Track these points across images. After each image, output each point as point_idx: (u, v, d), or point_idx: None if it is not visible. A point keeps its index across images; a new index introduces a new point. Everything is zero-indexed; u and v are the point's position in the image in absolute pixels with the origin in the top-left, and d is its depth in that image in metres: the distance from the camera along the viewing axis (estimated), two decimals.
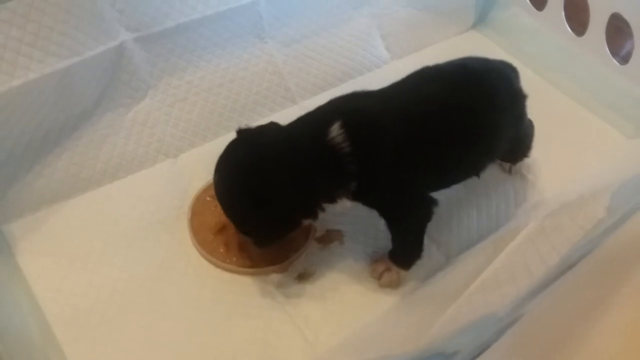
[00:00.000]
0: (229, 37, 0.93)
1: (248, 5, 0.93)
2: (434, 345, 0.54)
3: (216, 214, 0.81)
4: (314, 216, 0.71)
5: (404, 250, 0.75)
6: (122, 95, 0.87)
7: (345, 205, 0.71)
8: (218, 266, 0.77)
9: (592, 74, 1.00)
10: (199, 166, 0.88)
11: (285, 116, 0.95)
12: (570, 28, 1.03)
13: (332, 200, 0.70)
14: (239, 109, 0.94)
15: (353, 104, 0.71)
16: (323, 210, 0.71)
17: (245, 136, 0.73)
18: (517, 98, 0.78)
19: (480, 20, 1.16)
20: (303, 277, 0.76)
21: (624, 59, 0.98)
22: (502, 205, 0.83)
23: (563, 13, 1.03)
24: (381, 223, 0.75)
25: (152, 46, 0.87)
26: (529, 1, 1.09)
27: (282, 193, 0.67)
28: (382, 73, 1.05)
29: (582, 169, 0.87)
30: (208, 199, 0.83)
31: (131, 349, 0.69)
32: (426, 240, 0.74)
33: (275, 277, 0.76)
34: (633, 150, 0.93)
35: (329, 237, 0.80)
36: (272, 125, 0.73)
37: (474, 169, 0.77)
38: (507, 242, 0.62)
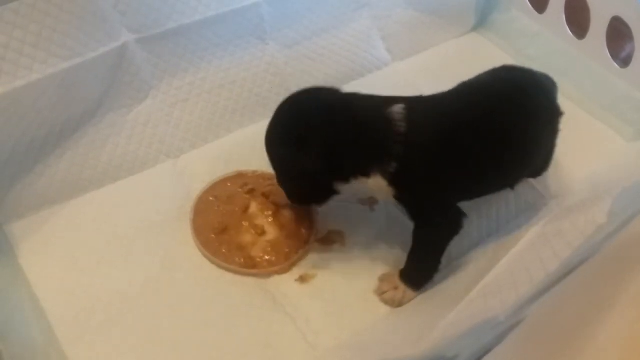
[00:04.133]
0: (230, 38, 0.94)
1: (249, 7, 0.93)
2: (435, 350, 0.54)
3: (219, 214, 0.81)
4: (346, 180, 0.71)
5: (418, 265, 0.74)
6: (123, 96, 0.87)
7: (380, 184, 0.70)
8: (220, 267, 0.77)
9: (592, 76, 1.00)
10: (200, 167, 0.88)
11: None
12: (571, 31, 1.03)
13: (366, 173, 0.70)
14: (240, 110, 0.95)
15: (418, 100, 0.73)
16: (356, 178, 0.71)
17: (314, 88, 0.75)
18: (555, 113, 0.78)
19: (481, 22, 1.16)
20: (304, 278, 0.76)
21: (625, 62, 0.98)
22: (502, 209, 0.83)
23: (564, 16, 1.03)
24: (383, 225, 0.76)
25: (154, 47, 0.87)
26: (529, 4, 1.09)
27: (322, 140, 0.69)
28: (383, 75, 1.06)
29: (583, 171, 0.87)
30: (211, 199, 0.83)
31: (132, 350, 0.69)
32: None
33: (276, 278, 0.77)
34: (633, 153, 0.93)
35: (331, 239, 0.80)
36: (345, 92, 0.75)
37: (510, 180, 0.78)
38: (509, 248, 0.62)
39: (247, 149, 0.91)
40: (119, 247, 0.78)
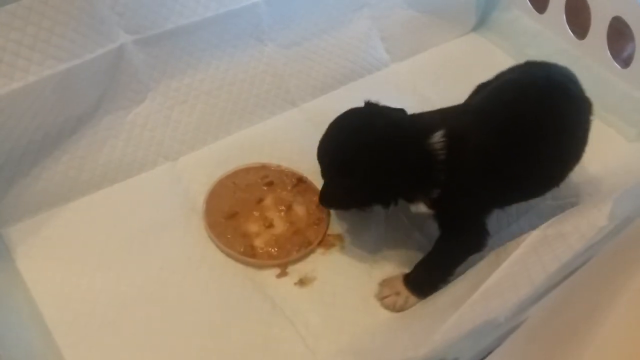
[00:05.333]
0: (228, 39, 0.93)
1: (248, 7, 0.93)
2: (435, 353, 0.54)
3: (232, 199, 0.83)
4: (386, 206, 0.73)
5: (430, 274, 0.74)
6: (121, 97, 0.86)
7: (420, 209, 0.72)
8: (222, 250, 0.78)
9: (593, 77, 0.99)
10: (198, 169, 0.88)
11: (285, 119, 0.96)
12: (572, 31, 1.03)
13: (410, 200, 0.73)
14: (239, 111, 0.94)
15: (457, 117, 0.73)
16: (396, 204, 0.73)
17: (367, 110, 0.76)
18: (588, 103, 0.78)
19: (481, 23, 1.16)
20: (304, 282, 0.76)
21: (625, 62, 0.98)
22: (503, 212, 0.82)
23: (564, 16, 1.03)
24: (382, 229, 0.75)
25: (152, 49, 0.87)
26: (530, 4, 1.09)
27: (365, 174, 0.70)
28: (382, 75, 1.06)
29: (584, 173, 0.86)
30: (230, 184, 0.85)
31: (131, 353, 0.69)
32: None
33: (275, 281, 0.76)
34: (635, 153, 0.93)
35: (330, 242, 0.80)
36: (396, 112, 0.76)
37: (558, 179, 0.77)
38: (510, 251, 0.62)
39: (246, 151, 0.90)
40: (116, 250, 0.77)
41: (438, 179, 0.69)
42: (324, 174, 0.77)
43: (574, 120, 0.75)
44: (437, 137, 0.69)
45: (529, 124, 0.72)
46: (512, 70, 0.80)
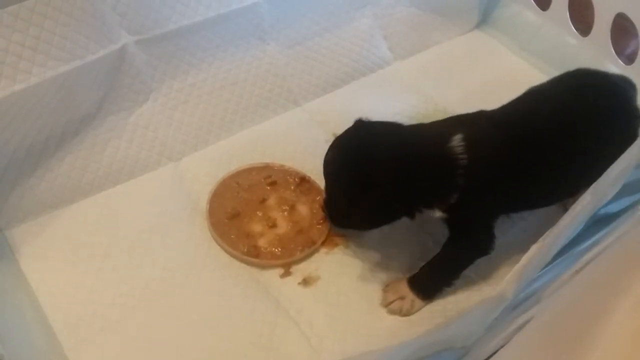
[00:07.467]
0: (230, 39, 0.93)
1: (250, 7, 0.93)
2: (439, 334, 0.53)
3: (235, 199, 0.83)
4: (412, 216, 0.72)
5: (436, 275, 0.73)
6: (124, 98, 0.86)
7: (434, 215, 0.72)
8: (225, 250, 0.78)
9: None
10: (201, 169, 0.88)
11: (288, 118, 0.96)
12: (575, 28, 1.03)
13: (430, 206, 0.71)
14: (242, 111, 0.94)
15: (476, 121, 0.73)
16: (421, 212, 0.72)
17: (366, 126, 0.74)
18: (632, 118, 0.76)
19: (484, 20, 1.15)
20: (308, 281, 0.76)
21: (629, 59, 0.98)
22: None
23: (568, 13, 1.03)
24: (386, 228, 0.75)
25: (154, 49, 0.87)
26: (533, 1, 1.08)
27: (391, 185, 0.68)
28: (385, 74, 1.05)
29: None
30: (233, 184, 0.84)
31: (134, 353, 0.69)
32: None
33: (279, 281, 0.76)
34: None
35: (333, 242, 0.80)
36: (393, 123, 0.74)
37: (574, 190, 0.75)
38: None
39: (248, 151, 0.90)
40: (120, 251, 0.77)
41: (457, 184, 0.69)
42: (342, 194, 0.73)
43: (600, 136, 0.73)
44: (457, 141, 0.69)
45: (549, 135, 0.71)
46: (558, 77, 0.79)
